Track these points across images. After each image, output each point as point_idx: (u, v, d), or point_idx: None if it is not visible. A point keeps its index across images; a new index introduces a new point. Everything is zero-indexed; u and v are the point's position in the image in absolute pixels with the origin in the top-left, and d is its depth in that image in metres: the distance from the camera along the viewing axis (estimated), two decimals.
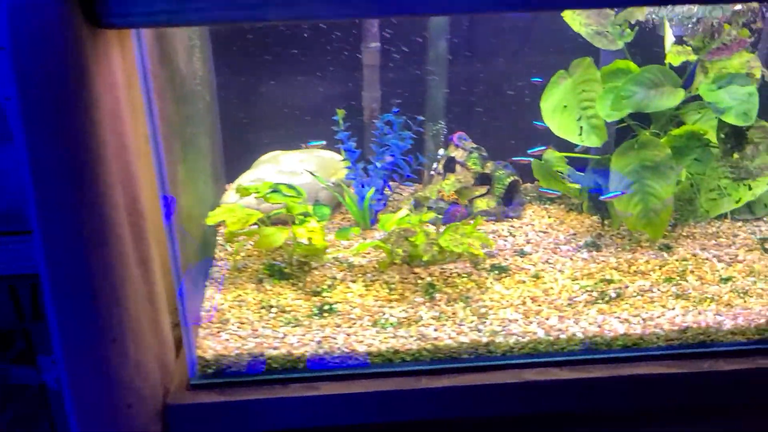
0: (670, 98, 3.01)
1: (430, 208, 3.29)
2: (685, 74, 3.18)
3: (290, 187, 3.18)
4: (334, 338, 2.81)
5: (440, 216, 3.23)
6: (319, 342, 2.79)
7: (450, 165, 3.61)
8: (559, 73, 3.41)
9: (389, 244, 2.96)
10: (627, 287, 3.02)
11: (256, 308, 2.97)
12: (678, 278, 3.07)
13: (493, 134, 3.93)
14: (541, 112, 3.36)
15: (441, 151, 3.67)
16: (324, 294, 3.04)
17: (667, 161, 3.08)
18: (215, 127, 3.68)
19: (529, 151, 3.30)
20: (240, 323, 2.89)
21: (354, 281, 3.14)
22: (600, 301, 2.85)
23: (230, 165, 3.93)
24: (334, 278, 3.13)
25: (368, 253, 3.38)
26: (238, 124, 3.91)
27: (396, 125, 3.51)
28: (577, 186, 3.57)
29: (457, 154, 3.62)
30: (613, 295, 2.85)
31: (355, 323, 2.89)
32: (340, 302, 2.99)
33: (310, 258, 3.26)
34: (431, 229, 3.11)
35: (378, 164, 3.45)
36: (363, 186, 3.47)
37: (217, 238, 3.57)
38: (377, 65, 3.77)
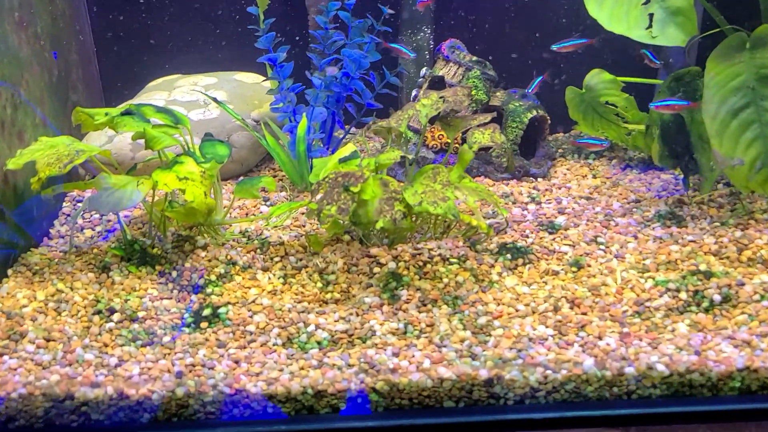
0: None
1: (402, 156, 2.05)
2: None
3: (162, 111, 1.97)
4: (210, 368, 1.62)
5: (411, 158, 1.97)
6: (179, 374, 1.59)
7: (438, 89, 2.37)
8: None
9: (317, 202, 1.74)
10: (741, 285, 1.80)
11: (83, 314, 1.79)
12: None
13: (508, 49, 2.69)
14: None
15: (424, 71, 2.44)
16: (210, 289, 1.85)
17: None
18: (74, 35, 2.48)
19: (528, 91, 2.10)
20: (45, 339, 1.69)
21: (266, 269, 1.94)
22: (694, 307, 1.59)
23: (114, 93, 2.74)
24: (233, 264, 1.93)
25: (301, 226, 2.16)
26: (126, 37, 2.72)
27: (352, 29, 2.29)
28: (641, 127, 2.34)
29: (447, 71, 2.39)
30: (717, 298, 1.59)
31: (252, 341, 1.69)
32: (233, 303, 1.79)
33: (200, 231, 2.04)
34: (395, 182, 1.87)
35: (317, 77, 2.21)
36: (294, 117, 2.25)
37: (64, 203, 2.37)
38: None
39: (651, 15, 2.07)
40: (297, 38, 2.55)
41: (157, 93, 2.52)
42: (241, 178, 2.52)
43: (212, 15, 2.76)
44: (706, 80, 2.00)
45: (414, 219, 1.96)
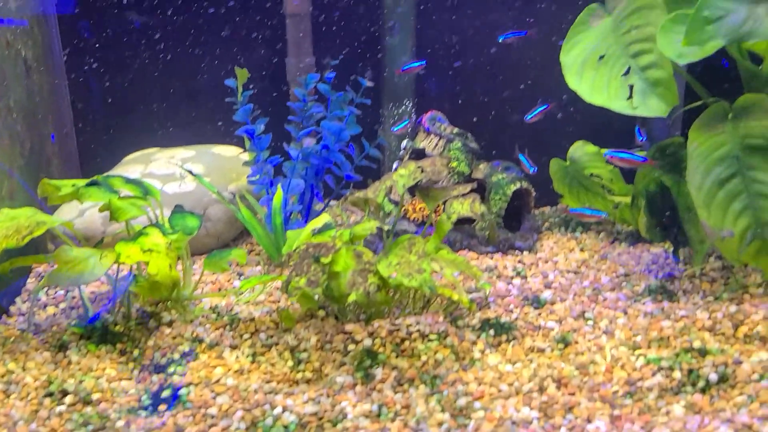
0: None
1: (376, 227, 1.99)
2: None
3: (131, 182, 1.92)
4: None
5: (388, 229, 1.92)
6: None
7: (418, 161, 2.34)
8: (588, 8, 2.25)
9: (288, 274, 1.66)
10: (738, 364, 1.70)
11: (34, 396, 1.67)
12: None
13: (490, 121, 2.71)
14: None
15: (405, 143, 2.42)
16: (172, 369, 1.73)
17: None
18: (52, 110, 2.47)
19: (527, 117, 2.11)
20: None
21: (235, 346, 1.83)
22: (689, 387, 1.49)
23: (92, 167, 2.72)
24: (199, 341, 1.83)
25: (275, 302, 2.08)
26: (106, 111, 2.73)
27: (332, 102, 2.28)
28: (627, 199, 2.30)
29: (428, 143, 2.37)
30: (714, 377, 1.49)
31: (213, 425, 1.58)
32: (196, 384, 1.68)
33: (167, 307, 1.95)
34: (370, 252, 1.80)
35: (294, 148, 2.19)
36: (271, 189, 2.20)
37: (29, 280, 2.28)
38: (307, 15, 2.58)
39: (631, 86, 2.06)
40: (278, 111, 2.52)
41: (133, 166, 2.48)
42: None
43: (193, 88, 2.77)
44: (689, 150, 1.96)
45: (392, 293, 1.87)
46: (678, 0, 2.15)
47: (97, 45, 2.70)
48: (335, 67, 2.33)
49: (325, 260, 1.63)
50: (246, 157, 2.34)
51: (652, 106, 2.03)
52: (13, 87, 2.17)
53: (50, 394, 1.69)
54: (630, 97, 2.07)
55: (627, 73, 2.09)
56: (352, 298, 1.65)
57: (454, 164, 2.32)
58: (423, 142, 2.38)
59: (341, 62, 2.49)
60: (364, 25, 2.71)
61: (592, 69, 2.16)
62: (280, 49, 2.67)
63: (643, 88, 2.05)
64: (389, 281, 1.65)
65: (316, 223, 1.85)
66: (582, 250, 2.44)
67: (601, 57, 2.15)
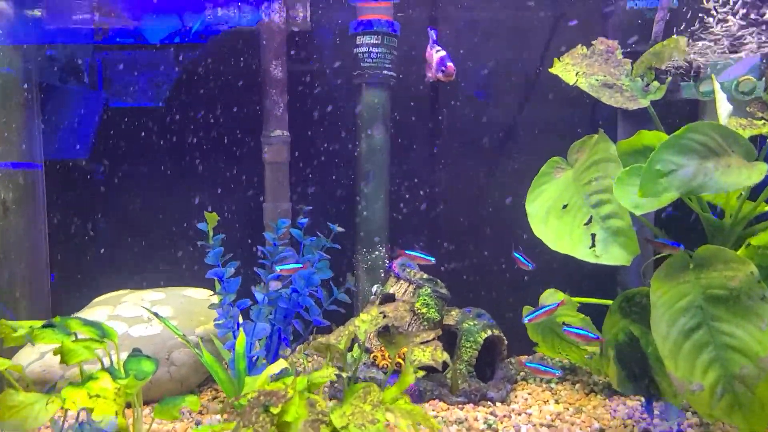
0: (743, 174, 1.83)
1: (338, 374, 1.94)
2: (762, 151, 2.03)
3: (89, 324, 1.90)
4: None
5: (347, 376, 1.86)
6: None
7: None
8: (551, 161, 2.32)
9: (235, 425, 1.59)
10: None
11: None
12: None
13: (460, 269, 2.74)
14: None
15: (375, 288, 2.41)
16: None
17: (754, 288, 1.81)
18: (26, 250, 2.51)
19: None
20: None
21: None
22: None
23: (64, 308, 2.71)
24: None
25: None
26: (82, 254, 2.78)
27: (304, 246, 2.31)
28: (598, 349, 2.27)
29: (398, 289, 2.36)
30: None
31: None
32: None
33: None
34: (325, 401, 1.73)
35: (259, 292, 2.19)
36: (235, 333, 2.18)
37: None
38: (285, 162, 2.68)
39: (593, 235, 2.09)
40: (254, 255, 2.56)
41: (101, 308, 2.47)
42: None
43: (169, 232, 2.83)
44: (652, 299, 1.94)
45: None
46: (632, 153, 2.25)
47: (78, 192, 2.81)
48: (310, 212, 2.39)
49: (274, 410, 1.57)
50: (215, 299, 2.33)
51: (614, 255, 2.05)
52: None
53: None
54: (593, 245, 2.10)
55: (589, 222, 2.13)
56: None
57: (424, 310, 2.30)
58: (393, 288, 2.38)
59: (317, 207, 2.55)
60: (340, 172, 2.82)
61: (556, 217, 2.20)
62: (259, 194, 2.76)
63: (605, 237, 2.08)
64: (340, 430, 1.58)
65: (274, 368, 1.81)
66: (557, 402, 2.35)
67: (565, 206, 2.20)
